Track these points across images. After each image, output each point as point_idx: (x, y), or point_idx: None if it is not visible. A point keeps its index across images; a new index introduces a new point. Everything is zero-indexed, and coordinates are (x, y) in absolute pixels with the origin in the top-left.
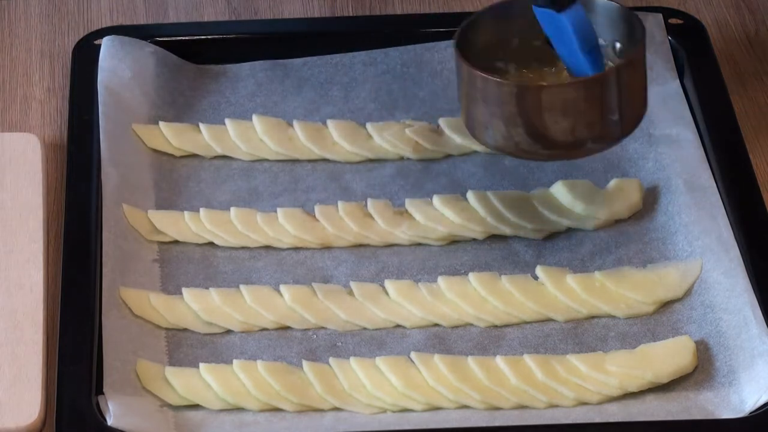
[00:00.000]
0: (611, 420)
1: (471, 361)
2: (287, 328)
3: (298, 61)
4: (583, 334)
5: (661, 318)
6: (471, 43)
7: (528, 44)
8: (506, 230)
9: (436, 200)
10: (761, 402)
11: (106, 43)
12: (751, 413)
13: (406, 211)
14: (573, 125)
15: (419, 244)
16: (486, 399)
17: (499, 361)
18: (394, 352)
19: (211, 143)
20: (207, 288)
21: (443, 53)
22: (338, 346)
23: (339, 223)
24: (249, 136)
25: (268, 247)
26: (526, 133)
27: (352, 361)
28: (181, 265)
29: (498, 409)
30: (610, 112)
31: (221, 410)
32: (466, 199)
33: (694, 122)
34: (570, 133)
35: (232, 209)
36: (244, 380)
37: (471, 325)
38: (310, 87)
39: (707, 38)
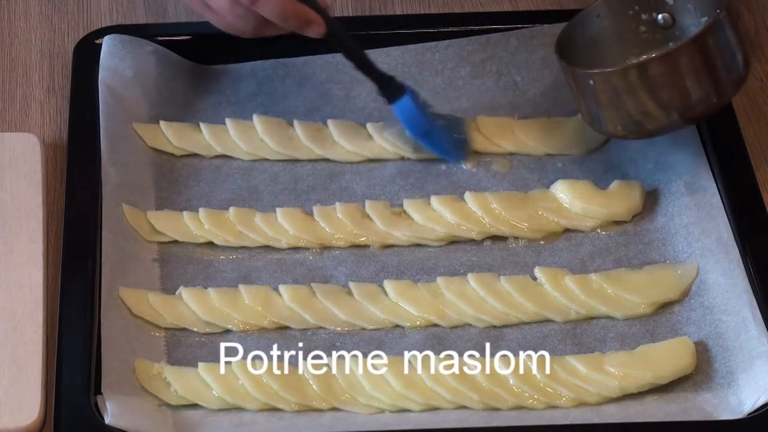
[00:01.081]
0: (610, 421)
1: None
2: (286, 327)
3: (298, 61)
4: (582, 334)
5: (660, 319)
6: (571, 48)
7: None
8: (505, 231)
9: (435, 201)
10: (760, 403)
11: (107, 42)
12: (749, 414)
13: (405, 211)
14: (679, 91)
15: (418, 245)
16: (484, 400)
17: (498, 361)
18: (392, 352)
19: (212, 143)
20: (206, 288)
21: (444, 53)
22: (337, 346)
23: (338, 223)
24: (249, 136)
25: (267, 247)
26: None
27: (351, 361)
28: (180, 264)
29: (496, 409)
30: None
31: (220, 410)
32: (464, 200)
33: None
34: (682, 97)
35: (232, 209)
36: (242, 380)
37: (470, 325)
38: (311, 86)
39: None
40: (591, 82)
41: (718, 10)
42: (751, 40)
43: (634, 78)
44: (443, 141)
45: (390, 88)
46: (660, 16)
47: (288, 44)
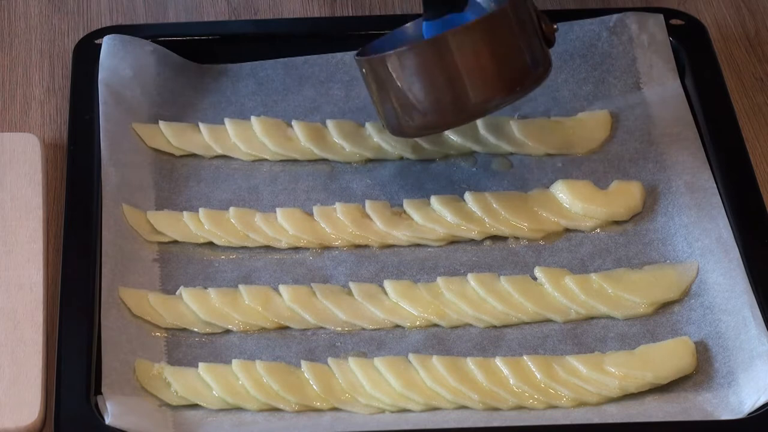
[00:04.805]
0: (610, 421)
1: (470, 362)
2: (286, 327)
3: (298, 60)
4: (583, 334)
5: (660, 319)
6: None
7: None
8: (505, 231)
9: (435, 201)
10: (760, 403)
11: (106, 42)
12: (749, 414)
13: (405, 211)
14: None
15: (418, 245)
16: (485, 400)
17: (498, 361)
18: (393, 353)
19: (211, 143)
20: (206, 288)
21: None
22: (337, 346)
23: (338, 223)
24: (249, 136)
25: (267, 247)
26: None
27: (351, 361)
28: (180, 265)
29: (497, 409)
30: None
31: (220, 410)
32: (464, 200)
33: (694, 122)
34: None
35: (231, 209)
36: (243, 380)
37: (470, 325)
38: (311, 86)
39: (708, 39)
40: (363, 71)
41: (474, 19)
42: (751, 40)
43: (392, 67)
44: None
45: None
46: None
47: (288, 44)
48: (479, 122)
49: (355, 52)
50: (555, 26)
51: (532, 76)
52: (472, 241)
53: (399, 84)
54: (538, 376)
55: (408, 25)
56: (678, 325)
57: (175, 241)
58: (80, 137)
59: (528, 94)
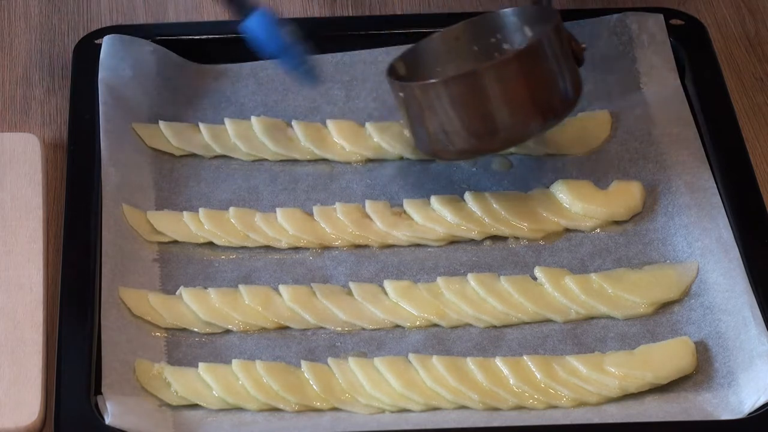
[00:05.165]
0: (610, 421)
1: (470, 362)
2: (286, 328)
3: None
4: (583, 334)
5: (660, 319)
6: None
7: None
8: (505, 231)
9: (435, 201)
10: (760, 403)
11: (107, 41)
12: (749, 414)
13: (405, 211)
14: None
15: (418, 245)
16: (485, 400)
17: (498, 361)
18: (392, 353)
19: (211, 143)
20: (206, 288)
21: None
22: (337, 346)
23: (338, 223)
24: (248, 136)
25: (267, 247)
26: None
27: (351, 361)
28: (180, 265)
29: (497, 409)
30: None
31: (220, 410)
32: (464, 200)
33: (694, 122)
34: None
35: (231, 209)
36: (243, 380)
37: (470, 325)
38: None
39: (708, 39)
40: (401, 95)
41: (521, 46)
42: (751, 40)
43: (436, 94)
44: (299, 62)
45: (241, 5)
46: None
47: None
48: None
49: (354, 52)
50: (583, 45)
51: (569, 100)
52: (472, 241)
53: (440, 111)
54: (538, 376)
55: (434, 37)
56: (678, 325)
57: (175, 241)
58: (80, 137)
59: (566, 117)
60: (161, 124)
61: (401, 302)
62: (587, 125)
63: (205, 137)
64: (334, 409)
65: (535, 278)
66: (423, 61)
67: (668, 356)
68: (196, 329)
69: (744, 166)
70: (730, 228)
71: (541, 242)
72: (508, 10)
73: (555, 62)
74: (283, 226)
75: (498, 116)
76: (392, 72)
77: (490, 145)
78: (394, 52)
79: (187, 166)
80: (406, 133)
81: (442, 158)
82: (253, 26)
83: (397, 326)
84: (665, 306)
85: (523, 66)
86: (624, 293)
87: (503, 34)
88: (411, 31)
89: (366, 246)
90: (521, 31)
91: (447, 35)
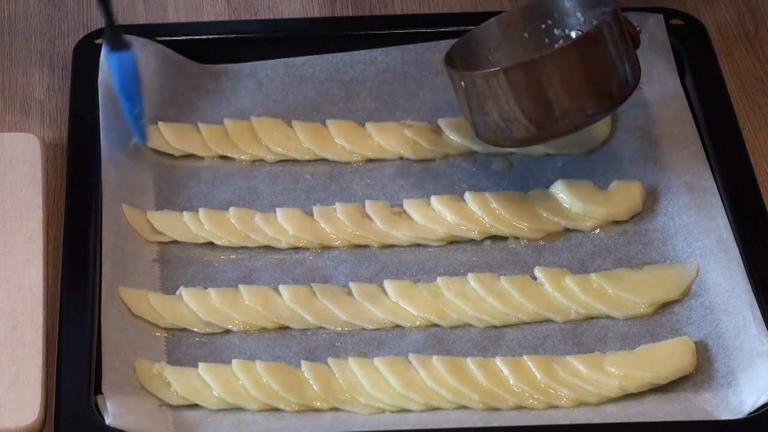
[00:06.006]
0: (610, 421)
1: (470, 362)
2: (286, 328)
3: (298, 60)
4: (582, 334)
5: (660, 319)
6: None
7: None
8: (505, 231)
9: (435, 201)
10: (760, 403)
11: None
12: (749, 414)
13: (405, 211)
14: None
15: (418, 245)
16: (485, 400)
17: (498, 361)
18: (393, 353)
19: (210, 143)
20: (206, 288)
21: (443, 53)
22: (337, 346)
23: (338, 223)
24: (248, 136)
25: (267, 247)
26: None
27: (351, 361)
28: (180, 265)
29: (497, 409)
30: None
31: (220, 410)
32: (464, 200)
33: (694, 122)
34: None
35: (231, 209)
36: (243, 380)
37: (470, 325)
38: (311, 86)
39: (708, 39)
40: (462, 84)
41: (581, 30)
42: (751, 40)
43: (497, 83)
44: (138, 113)
45: (117, 37)
46: (573, 33)
47: (288, 44)
48: None
49: (354, 52)
50: (638, 28)
51: (629, 85)
52: (472, 241)
53: (502, 99)
54: (538, 376)
55: (486, 25)
56: (678, 325)
57: (175, 241)
58: (80, 137)
59: (624, 103)
60: (160, 125)
61: (401, 302)
62: None
63: (204, 137)
64: (334, 409)
65: (535, 278)
66: (476, 49)
67: (668, 356)
68: (196, 329)
69: (744, 166)
70: (729, 228)
71: (541, 242)
72: None
73: (615, 47)
74: (283, 226)
75: (560, 103)
76: (449, 62)
77: (550, 133)
78: (393, 53)
79: (187, 167)
80: (466, 121)
81: (502, 146)
82: (118, 61)
83: (397, 326)
84: (665, 306)
85: (586, 51)
86: (624, 293)
87: (554, 19)
88: (411, 31)
89: (366, 246)
90: (574, 15)
91: (499, 22)
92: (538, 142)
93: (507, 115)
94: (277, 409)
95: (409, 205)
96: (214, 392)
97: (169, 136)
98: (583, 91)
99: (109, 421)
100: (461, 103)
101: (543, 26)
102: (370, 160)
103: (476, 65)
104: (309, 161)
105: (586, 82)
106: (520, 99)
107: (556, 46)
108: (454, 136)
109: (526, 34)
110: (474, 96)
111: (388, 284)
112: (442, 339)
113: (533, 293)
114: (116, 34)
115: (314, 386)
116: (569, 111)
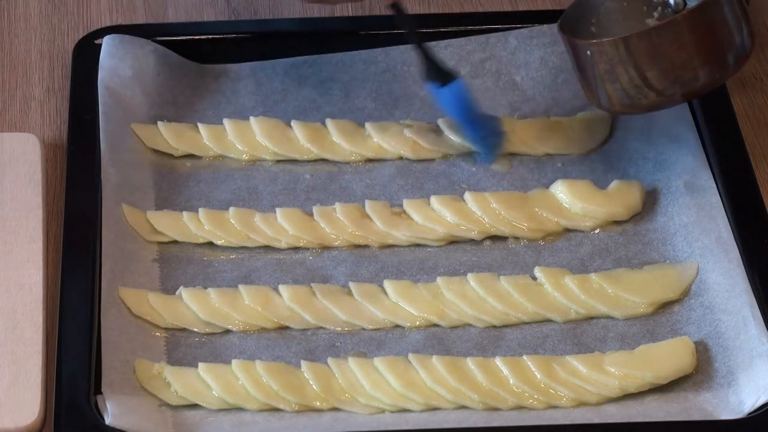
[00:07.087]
0: (610, 421)
1: (470, 362)
2: (286, 328)
3: (298, 60)
4: (582, 334)
5: (660, 319)
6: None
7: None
8: (505, 231)
9: (434, 201)
10: (760, 403)
11: (107, 41)
12: (749, 414)
13: (405, 211)
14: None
15: (418, 245)
16: (485, 400)
17: (498, 361)
18: (392, 353)
19: (210, 143)
20: (206, 288)
21: (443, 53)
22: (337, 346)
23: (337, 223)
24: (248, 137)
25: (267, 247)
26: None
27: (351, 361)
28: (180, 264)
29: (497, 409)
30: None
31: (220, 410)
32: (464, 200)
33: (694, 122)
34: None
35: (231, 209)
36: (243, 380)
37: (470, 325)
38: (311, 86)
39: None
40: (588, 53)
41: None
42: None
43: (628, 50)
44: (484, 134)
45: (441, 71)
46: (672, 0)
47: (288, 44)
48: None
49: (354, 52)
50: None
51: (748, 47)
52: (472, 241)
53: (633, 65)
54: (538, 376)
55: None
56: (678, 325)
57: (175, 241)
58: (80, 137)
59: (743, 67)
60: (160, 125)
61: (401, 302)
62: (587, 125)
63: (204, 138)
64: (334, 409)
65: (535, 278)
66: (585, 18)
67: (668, 356)
68: (196, 329)
69: (744, 166)
70: (729, 228)
71: (541, 242)
72: None
73: (737, 7)
74: (282, 226)
75: (692, 66)
76: (564, 31)
77: (686, 93)
78: (393, 52)
79: (187, 167)
80: (585, 93)
81: (627, 113)
82: (449, 94)
83: (397, 326)
84: (665, 306)
85: (717, 11)
86: (624, 293)
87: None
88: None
89: (366, 246)
90: None
91: None
92: (668, 106)
93: (637, 81)
94: (277, 409)
95: (408, 205)
96: (214, 392)
97: (168, 136)
98: (714, 53)
99: (108, 421)
100: (580, 75)
101: None
102: (370, 160)
103: (588, 35)
104: (309, 161)
105: (717, 43)
106: (656, 62)
107: (683, 11)
108: (454, 136)
109: (625, 3)
110: (600, 64)
111: (387, 284)
112: (442, 339)
113: (533, 293)
114: (440, 71)
115: (314, 386)
116: (701, 74)
